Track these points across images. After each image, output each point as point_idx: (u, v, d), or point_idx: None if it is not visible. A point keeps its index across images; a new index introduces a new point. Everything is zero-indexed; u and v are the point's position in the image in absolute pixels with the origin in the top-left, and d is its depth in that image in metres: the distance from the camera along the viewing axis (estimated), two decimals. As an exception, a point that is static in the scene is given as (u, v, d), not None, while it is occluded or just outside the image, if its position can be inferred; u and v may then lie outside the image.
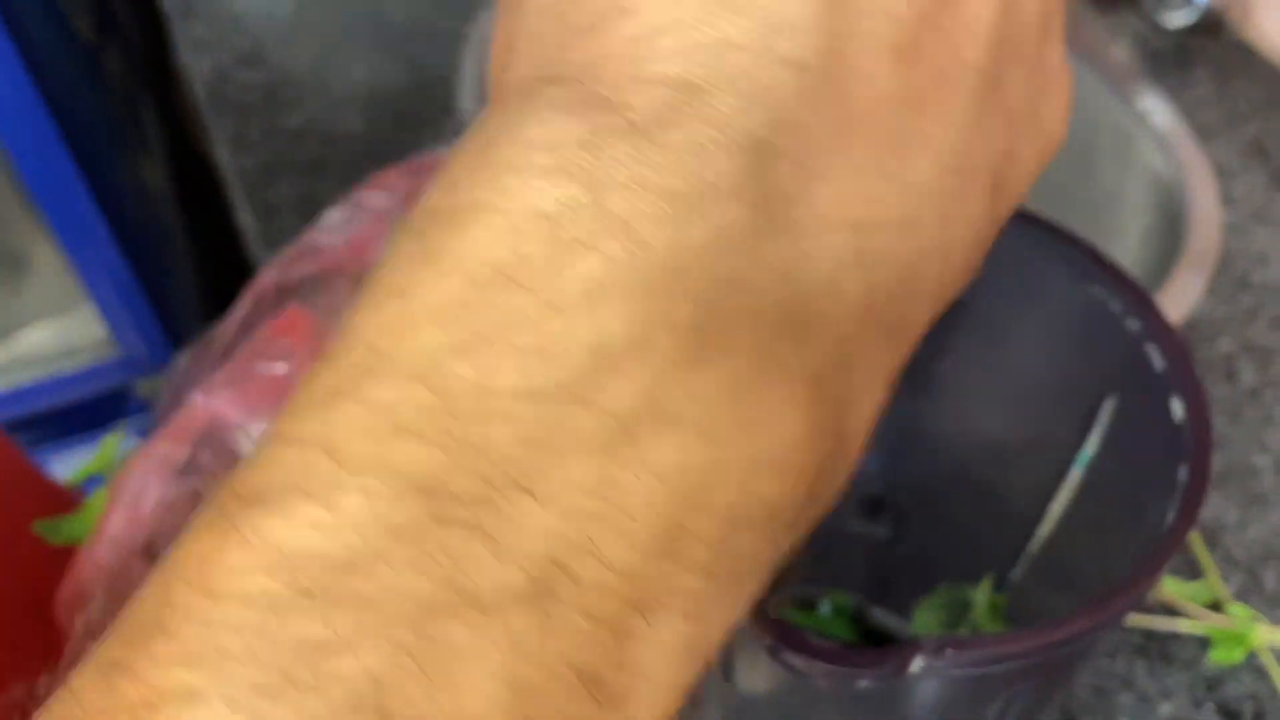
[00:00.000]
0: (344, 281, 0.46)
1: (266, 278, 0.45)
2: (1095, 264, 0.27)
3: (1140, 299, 0.26)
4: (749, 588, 0.16)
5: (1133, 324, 0.26)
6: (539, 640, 0.13)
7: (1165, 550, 0.22)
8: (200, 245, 1.16)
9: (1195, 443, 0.23)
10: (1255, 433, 0.51)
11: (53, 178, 0.98)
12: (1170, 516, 0.23)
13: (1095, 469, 0.29)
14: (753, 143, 0.15)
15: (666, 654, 0.14)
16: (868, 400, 0.17)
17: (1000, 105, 0.17)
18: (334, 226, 0.46)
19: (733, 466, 0.14)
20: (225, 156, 0.64)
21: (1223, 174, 0.62)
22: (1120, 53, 0.69)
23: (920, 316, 0.18)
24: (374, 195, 0.46)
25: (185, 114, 1.20)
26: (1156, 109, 0.66)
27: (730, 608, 0.15)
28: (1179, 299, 0.57)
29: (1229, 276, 0.57)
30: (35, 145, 0.94)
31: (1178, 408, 0.24)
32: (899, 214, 0.16)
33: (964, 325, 0.31)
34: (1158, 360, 0.25)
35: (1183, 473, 0.23)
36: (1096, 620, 0.20)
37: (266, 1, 0.74)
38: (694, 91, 0.15)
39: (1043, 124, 0.19)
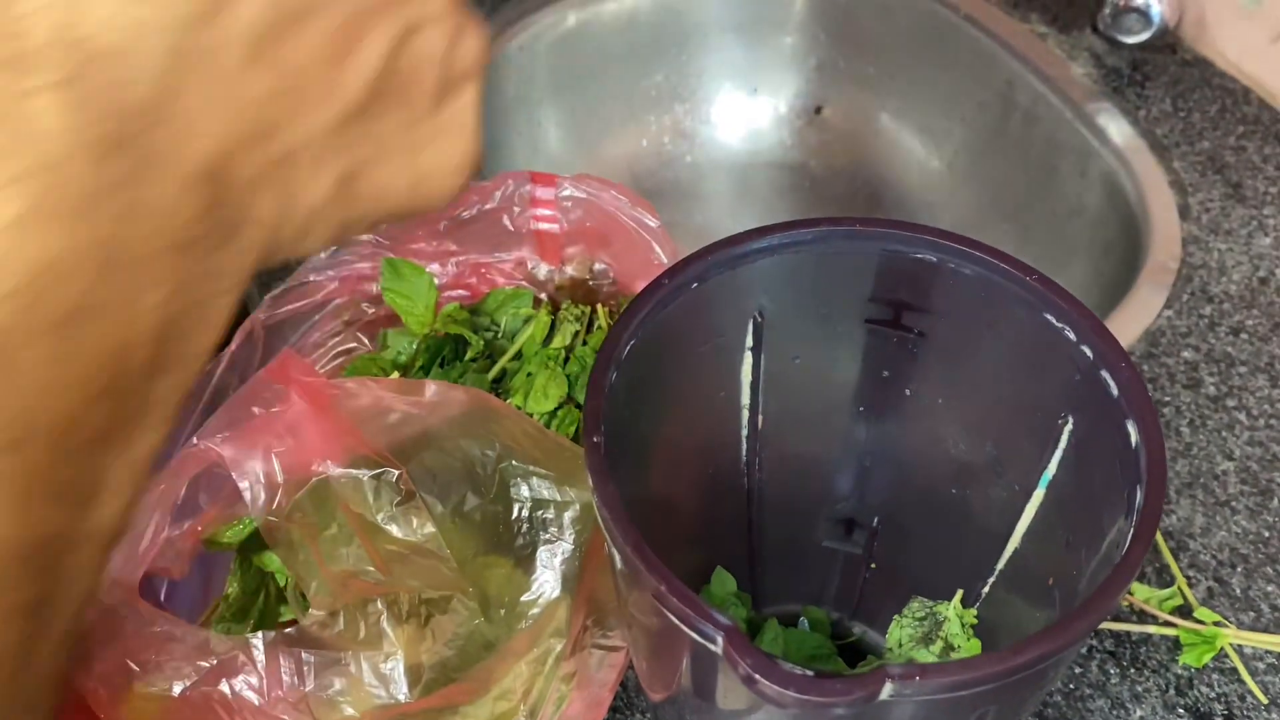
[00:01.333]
0: (329, 317, 0.47)
1: (257, 315, 0.46)
2: (1050, 293, 0.29)
3: (1094, 327, 0.28)
4: None
5: (1087, 351, 0.28)
6: None
7: (1124, 574, 0.23)
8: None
9: (1150, 467, 0.25)
10: (1219, 440, 0.53)
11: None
12: (1128, 533, 0.25)
13: (1057, 488, 0.30)
14: None
15: None
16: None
17: (366, 132, 0.20)
18: (321, 265, 0.47)
19: None
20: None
21: (1181, 188, 0.64)
22: (1078, 70, 0.71)
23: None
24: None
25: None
26: (1114, 125, 0.68)
27: None
28: (1141, 311, 0.59)
29: (1189, 288, 0.59)
30: None
31: (1133, 431, 0.26)
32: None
33: (927, 354, 0.32)
34: (1113, 386, 0.27)
35: (1138, 495, 0.25)
36: (1058, 644, 0.22)
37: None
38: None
39: (422, 165, 0.22)
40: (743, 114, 0.87)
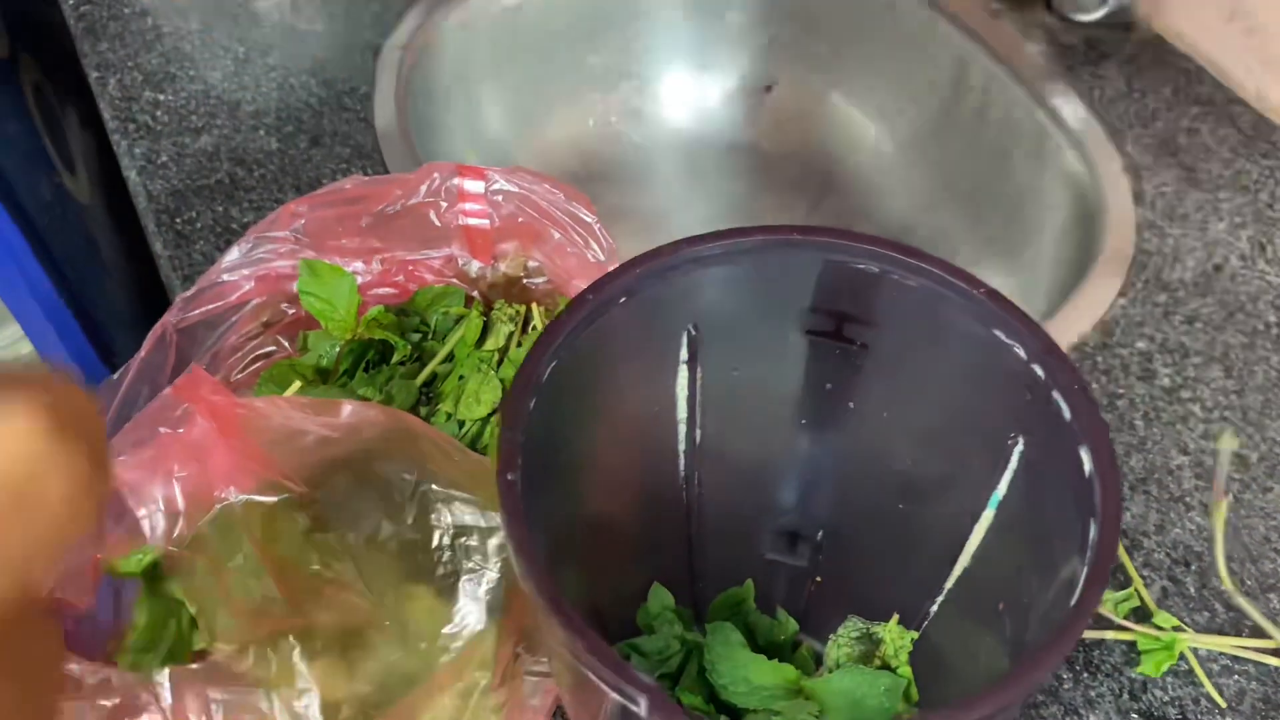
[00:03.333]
0: (246, 319, 0.44)
1: (166, 320, 0.43)
2: (999, 308, 0.27)
3: (1045, 346, 0.26)
4: None
5: (1038, 370, 0.26)
6: None
7: (1079, 619, 0.22)
8: (135, 262, 1.13)
9: (1104, 500, 0.23)
10: (1173, 433, 0.52)
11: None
12: (1082, 573, 0.23)
13: (1008, 509, 0.29)
14: None
15: None
16: None
17: None
18: (235, 264, 0.44)
19: None
20: (135, 180, 0.62)
21: (1135, 171, 0.63)
22: (1032, 48, 0.70)
23: None
24: (277, 230, 0.44)
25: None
26: (1068, 107, 0.67)
27: None
28: (1095, 299, 0.58)
29: (1144, 275, 0.58)
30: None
31: (1086, 460, 0.24)
32: None
33: (871, 366, 0.30)
34: (1065, 409, 0.25)
35: (1092, 530, 0.23)
36: (1009, 697, 0.20)
37: (175, 19, 0.71)
38: None
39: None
40: (691, 92, 0.85)
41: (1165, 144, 0.64)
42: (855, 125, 0.81)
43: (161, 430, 0.33)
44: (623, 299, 0.28)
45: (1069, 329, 0.56)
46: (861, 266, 0.28)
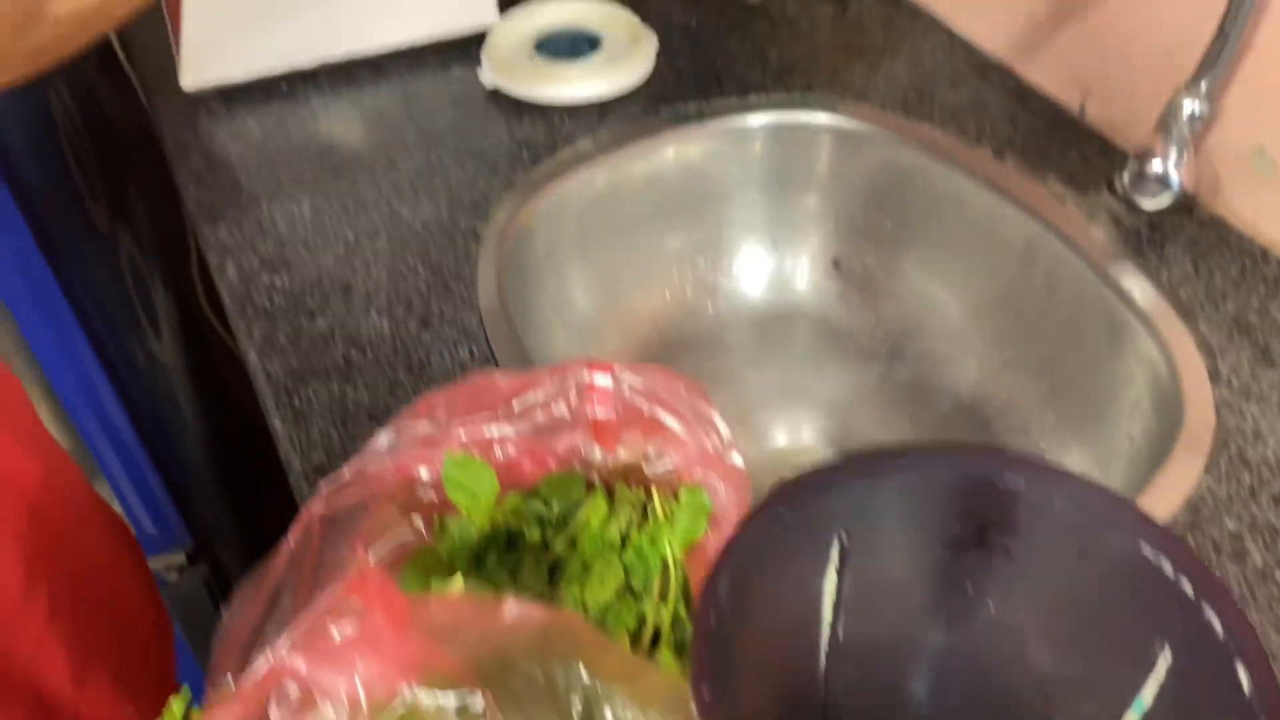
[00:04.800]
0: (389, 507, 0.47)
1: (314, 508, 0.46)
2: (1145, 524, 0.29)
3: (1192, 562, 0.28)
4: None
5: (1187, 585, 0.28)
6: None
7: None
8: (213, 422, 1.17)
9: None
10: (1270, 614, 0.52)
11: (69, 360, 0.99)
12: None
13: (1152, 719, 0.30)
14: None
15: None
16: None
17: None
18: (379, 453, 0.47)
19: None
20: (254, 361, 0.66)
21: (1209, 350, 0.65)
22: (1098, 231, 0.73)
23: None
24: (417, 422, 0.47)
25: (195, 291, 1.23)
26: (1138, 287, 0.70)
27: None
28: (1180, 478, 0.60)
29: (1226, 454, 0.60)
30: (54, 332, 0.96)
31: (1244, 675, 0.26)
32: None
33: (1012, 573, 0.32)
34: (1217, 624, 0.27)
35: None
36: None
37: (288, 204, 0.76)
38: None
39: None
40: (763, 266, 0.89)
41: (1237, 323, 0.67)
42: (924, 297, 0.84)
43: (334, 625, 0.35)
44: (788, 510, 0.30)
45: (1157, 508, 0.58)
46: (1006, 482, 0.30)
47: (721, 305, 0.89)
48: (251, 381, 0.66)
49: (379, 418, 0.62)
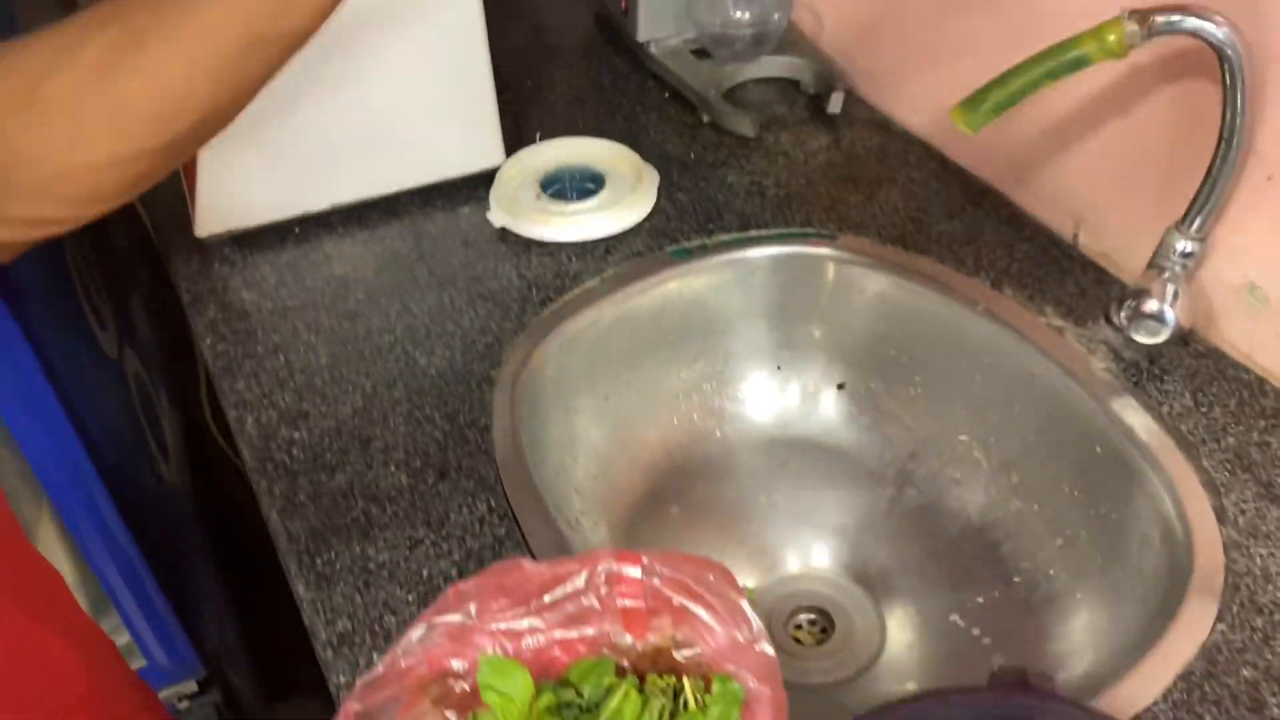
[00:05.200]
0: (424, 701, 0.48)
1: (350, 707, 0.46)
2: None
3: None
4: None
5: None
6: None
7: None
8: (223, 542, 1.17)
9: None
10: (1291, 769, 0.53)
11: (76, 489, 1.00)
12: None
13: None
14: None
15: None
16: None
17: None
18: (411, 646, 0.48)
19: None
20: (275, 522, 0.67)
21: (1214, 488, 0.67)
22: (1098, 364, 0.75)
23: None
24: (448, 613, 0.48)
25: (203, 411, 1.23)
26: (1139, 422, 0.71)
27: None
28: (1194, 625, 0.61)
29: (1238, 598, 0.61)
30: (62, 462, 0.96)
31: None
32: None
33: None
34: None
35: None
36: None
37: (305, 354, 0.78)
38: None
39: None
40: (769, 392, 0.90)
41: (1239, 458, 0.68)
42: (930, 422, 0.86)
43: None
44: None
45: (1174, 658, 0.59)
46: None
47: (729, 431, 0.90)
48: (273, 540, 0.67)
49: (400, 579, 0.62)
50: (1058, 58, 0.65)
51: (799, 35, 1.04)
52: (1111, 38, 0.63)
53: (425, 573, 0.63)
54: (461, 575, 0.63)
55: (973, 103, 0.67)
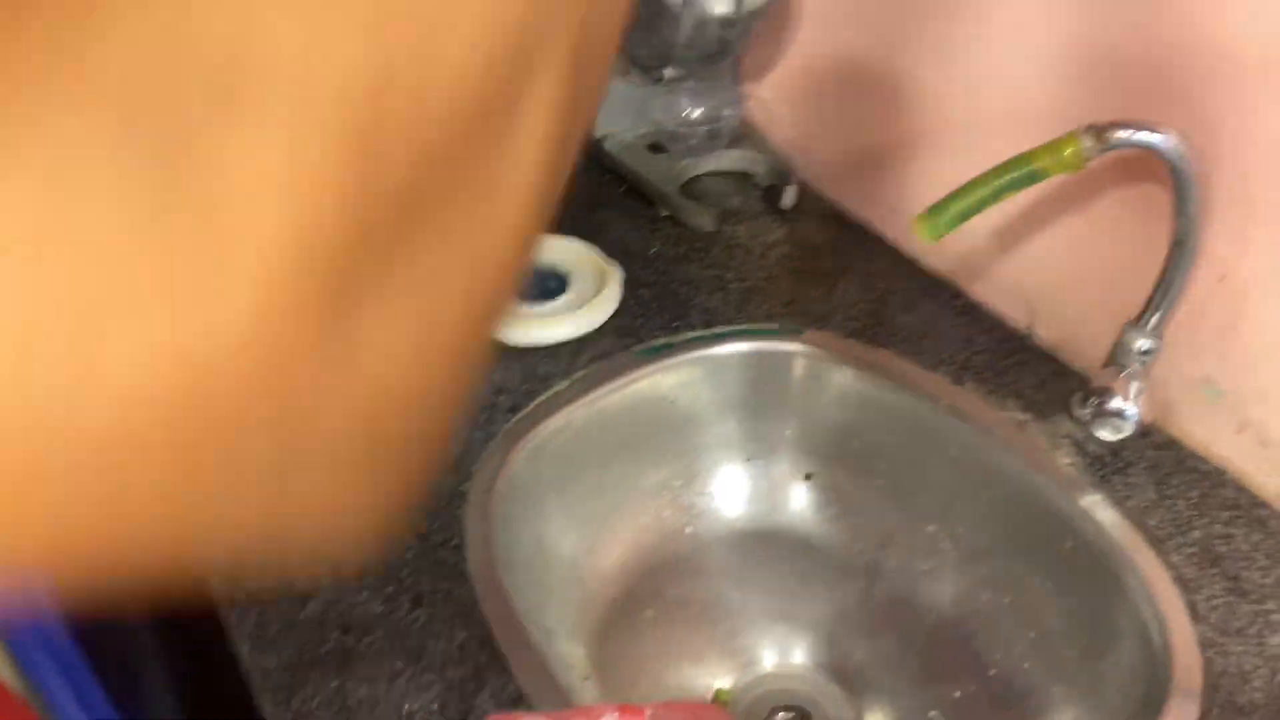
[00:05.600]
0: None
1: None
2: None
3: None
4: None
5: None
6: None
7: None
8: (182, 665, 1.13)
9: None
10: None
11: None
12: None
13: None
14: None
15: None
16: None
17: None
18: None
19: None
20: (247, 655, 0.65)
21: (1184, 584, 0.68)
22: (1062, 459, 0.76)
23: None
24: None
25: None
26: (1107, 517, 0.72)
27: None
28: (1178, 729, 0.61)
29: (1217, 698, 0.62)
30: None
31: None
32: None
33: None
34: None
35: None
36: None
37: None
38: None
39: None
40: (738, 487, 0.91)
41: (1205, 553, 0.70)
42: (895, 514, 0.86)
43: None
44: None
45: (1162, 764, 0.59)
46: None
47: (700, 525, 0.90)
48: (242, 674, 0.65)
49: (380, 716, 0.61)
50: (1015, 170, 0.67)
51: (752, 129, 1.05)
52: (1068, 152, 0.65)
53: (407, 707, 0.61)
54: (444, 710, 0.61)
55: (934, 213, 0.69)
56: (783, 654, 0.86)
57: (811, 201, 1.00)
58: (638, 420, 0.87)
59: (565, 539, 0.84)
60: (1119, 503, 0.73)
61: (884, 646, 0.84)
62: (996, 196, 0.68)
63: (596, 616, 0.84)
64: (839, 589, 0.87)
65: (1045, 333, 0.85)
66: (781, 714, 0.83)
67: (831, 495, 0.89)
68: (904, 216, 0.93)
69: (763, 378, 0.88)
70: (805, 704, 0.83)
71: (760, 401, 0.88)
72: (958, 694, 0.79)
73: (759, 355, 0.87)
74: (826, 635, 0.86)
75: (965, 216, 0.68)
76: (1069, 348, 0.84)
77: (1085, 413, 0.75)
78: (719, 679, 0.86)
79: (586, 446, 0.85)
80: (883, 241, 0.96)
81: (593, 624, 0.83)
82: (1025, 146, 0.66)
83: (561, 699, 0.64)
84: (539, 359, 0.85)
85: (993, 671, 0.79)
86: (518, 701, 0.63)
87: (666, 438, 0.88)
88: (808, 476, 0.91)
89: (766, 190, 1.01)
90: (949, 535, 0.83)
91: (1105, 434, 0.75)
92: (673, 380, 0.87)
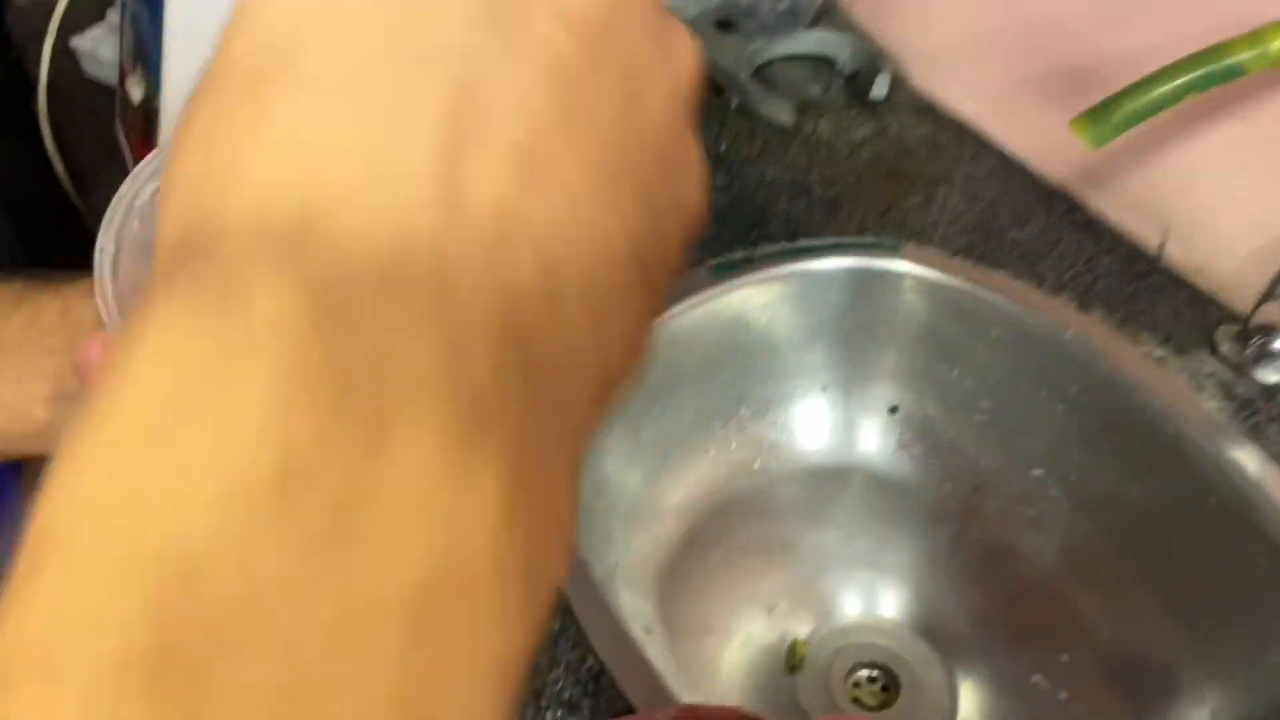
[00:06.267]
0: None
1: None
2: None
3: None
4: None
5: None
6: None
7: None
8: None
9: None
10: None
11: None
12: None
13: None
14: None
15: None
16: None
17: (633, 194, 0.19)
18: None
19: None
20: None
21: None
22: (1208, 401, 0.67)
23: (585, 396, 0.19)
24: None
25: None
26: (1258, 467, 0.63)
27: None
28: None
29: None
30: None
31: None
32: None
33: None
34: None
35: None
36: None
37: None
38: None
39: (682, 203, 0.21)
40: (816, 418, 0.81)
41: (1379, 518, 0.61)
42: (997, 452, 0.77)
43: None
44: None
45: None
46: None
47: (772, 462, 0.81)
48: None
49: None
50: (1207, 66, 0.56)
51: (835, 6, 0.92)
52: (1277, 45, 0.54)
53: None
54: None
55: (1101, 112, 0.58)
56: (866, 605, 0.78)
57: (904, 93, 0.88)
58: (708, 343, 0.76)
59: (629, 477, 0.75)
60: (1275, 455, 0.64)
61: (977, 600, 0.76)
62: (1179, 96, 0.56)
63: (660, 560, 0.75)
64: (927, 535, 0.79)
65: (1181, 256, 0.75)
66: (863, 671, 0.75)
67: (922, 430, 0.80)
68: (1017, 113, 0.82)
69: (854, 299, 0.77)
70: (891, 663, 0.75)
71: (851, 326, 0.78)
72: (1065, 658, 0.71)
73: (850, 273, 0.77)
74: (914, 585, 0.78)
75: (1139, 119, 0.57)
76: (1209, 275, 0.73)
77: (1247, 352, 0.65)
78: (793, 629, 0.77)
79: (651, 372, 0.75)
80: (986, 143, 0.85)
81: (656, 568, 0.75)
82: (1195, 32, 0.55)
83: (630, 653, 0.56)
84: (602, 272, 0.74)
85: (1105, 635, 0.71)
86: (585, 657, 0.54)
87: (739, 363, 0.78)
88: (893, 410, 0.81)
89: (851, 79, 0.89)
90: (1059, 481, 0.74)
91: (1267, 375, 0.65)
92: (752, 299, 0.76)
